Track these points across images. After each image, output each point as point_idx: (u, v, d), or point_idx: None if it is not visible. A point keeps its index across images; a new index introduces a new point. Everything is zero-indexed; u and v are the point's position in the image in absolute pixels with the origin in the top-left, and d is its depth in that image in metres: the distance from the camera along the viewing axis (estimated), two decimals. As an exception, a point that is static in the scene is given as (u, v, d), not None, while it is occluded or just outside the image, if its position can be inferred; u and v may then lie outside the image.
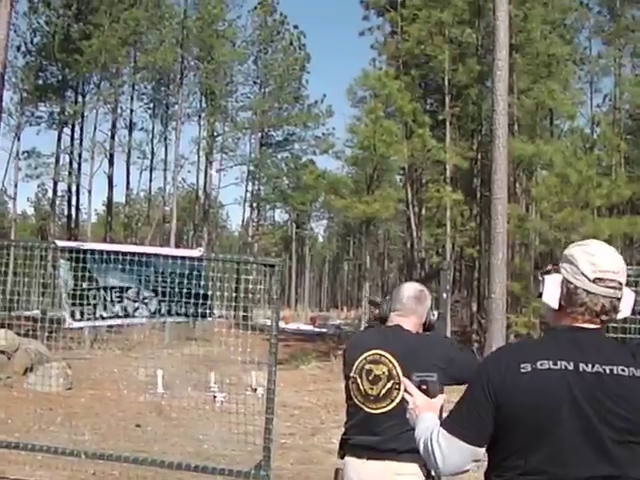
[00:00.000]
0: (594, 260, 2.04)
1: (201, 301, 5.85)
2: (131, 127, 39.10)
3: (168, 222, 37.86)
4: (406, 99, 26.28)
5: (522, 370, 1.97)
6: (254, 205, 45.10)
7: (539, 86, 25.77)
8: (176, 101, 38.27)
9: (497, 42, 15.43)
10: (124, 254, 5.93)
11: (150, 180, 42.27)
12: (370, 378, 3.37)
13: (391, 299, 3.59)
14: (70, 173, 36.12)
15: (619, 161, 31.49)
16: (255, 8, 41.24)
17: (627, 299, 2.09)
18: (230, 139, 41.82)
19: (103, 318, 6.09)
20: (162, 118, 40.74)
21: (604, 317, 2.05)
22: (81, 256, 5.92)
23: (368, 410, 3.38)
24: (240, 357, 6.22)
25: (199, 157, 40.65)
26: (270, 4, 41.71)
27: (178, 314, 6.02)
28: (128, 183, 40.29)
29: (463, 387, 2.17)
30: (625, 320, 2.16)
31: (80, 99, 36.17)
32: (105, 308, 6.00)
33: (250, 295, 6.13)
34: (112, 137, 37.14)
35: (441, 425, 2.11)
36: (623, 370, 1.96)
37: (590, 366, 1.96)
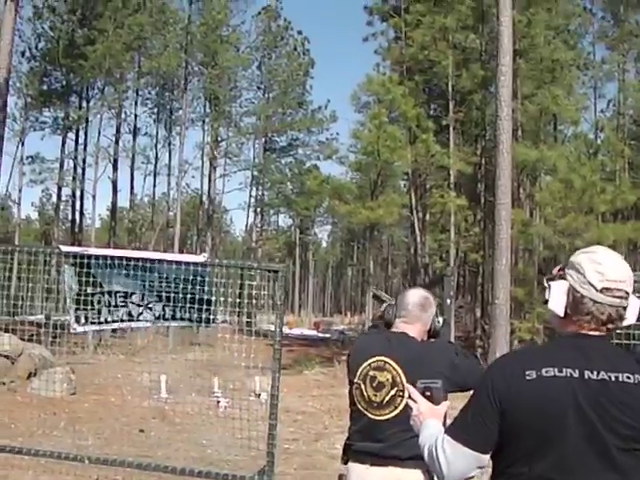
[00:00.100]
0: (601, 269, 2.03)
1: (205, 306, 5.86)
2: (135, 132, 39.25)
3: (172, 227, 37.94)
4: (410, 104, 26.28)
5: (527, 377, 1.97)
6: (258, 210, 45.16)
7: (543, 91, 25.76)
8: (180, 106, 38.30)
9: (501, 47, 15.45)
10: (128, 259, 5.94)
11: (154, 185, 42.30)
12: (374, 385, 3.37)
13: (396, 305, 3.59)
14: (74, 178, 36.21)
15: (623, 166, 31.46)
16: (259, 13, 41.42)
17: (632, 307, 2.08)
18: (234, 144, 41.99)
19: (107, 322, 6.10)
20: (166, 123, 40.82)
21: (610, 325, 2.05)
22: (85, 261, 5.93)
23: (371, 416, 3.38)
24: (244, 362, 6.21)
25: (203, 162, 40.79)
26: (274, 9, 41.85)
27: (182, 319, 6.03)
28: (132, 188, 40.37)
29: (467, 393, 2.17)
30: (629, 326, 2.15)
31: (84, 104, 36.27)
32: (110, 312, 6.02)
33: (254, 300, 6.12)
34: (116, 142, 37.26)
35: (446, 432, 2.11)
36: (628, 377, 1.95)
37: (595, 373, 1.96)
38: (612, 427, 1.92)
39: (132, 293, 5.99)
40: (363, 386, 3.40)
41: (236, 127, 41.23)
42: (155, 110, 40.72)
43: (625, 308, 2.05)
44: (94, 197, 34.59)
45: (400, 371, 3.31)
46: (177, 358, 17.01)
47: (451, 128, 28.24)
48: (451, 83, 27.89)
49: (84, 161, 36.35)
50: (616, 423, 1.92)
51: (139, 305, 6.01)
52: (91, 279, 5.94)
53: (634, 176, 31.10)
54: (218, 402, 12.07)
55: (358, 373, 3.43)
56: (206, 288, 5.85)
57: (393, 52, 31.34)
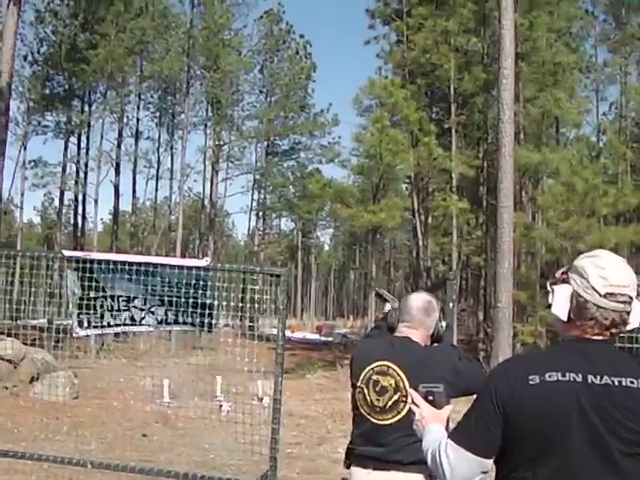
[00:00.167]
0: (605, 274, 2.03)
1: (207, 311, 5.86)
2: (137, 136, 39.29)
3: (174, 231, 37.96)
4: (412, 108, 26.29)
5: (530, 382, 1.96)
6: (260, 214, 45.19)
7: (545, 94, 25.77)
8: (182, 110, 38.37)
9: (503, 51, 15.47)
10: (130, 264, 5.94)
11: (156, 189, 42.42)
12: (377, 389, 3.36)
13: (399, 309, 3.58)
14: (76, 182, 36.24)
15: (625, 169, 31.48)
16: (261, 17, 41.51)
17: (636, 311, 2.08)
18: (236, 148, 42.01)
19: (110, 326, 6.10)
20: (168, 127, 40.91)
21: (613, 330, 2.05)
22: (88, 266, 5.93)
23: (374, 421, 3.37)
24: (246, 366, 6.20)
25: (205, 166, 40.86)
26: (276, 13, 41.92)
27: (184, 323, 6.03)
28: (134, 192, 40.43)
29: (470, 397, 2.16)
30: (632, 330, 2.14)
31: (86, 108, 36.34)
32: (112, 316, 6.02)
33: (256, 305, 6.11)
34: (118, 146, 37.35)
35: (449, 436, 2.10)
36: (632, 382, 1.95)
37: (599, 378, 1.95)
38: (615, 431, 1.92)
39: (134, 297, 5.99)
40: (366, 390, 3.39)
41: (238, 131, 41.28)
42: (157, 114, 40.81)
43: (629, 313, 2.05)
44: (96, 201, 34.70)
45: (403, 376, 3.30)
46: (179, 362, 17.00)
47: (453, 131, 28.25)
48: (453, 86, 27.92)
49: (86, 165, 36.48)
50: (619, 427, 1.92)
51: (141, 309, 6.01)
52: (94, 283, 5.94)
53: (636, 179, 31.09)
54: (220, 406, 12.04)
55: (361, 377, 3.42)
56: (208, 292, 5.85)
57: (395, 55, 31.36)
